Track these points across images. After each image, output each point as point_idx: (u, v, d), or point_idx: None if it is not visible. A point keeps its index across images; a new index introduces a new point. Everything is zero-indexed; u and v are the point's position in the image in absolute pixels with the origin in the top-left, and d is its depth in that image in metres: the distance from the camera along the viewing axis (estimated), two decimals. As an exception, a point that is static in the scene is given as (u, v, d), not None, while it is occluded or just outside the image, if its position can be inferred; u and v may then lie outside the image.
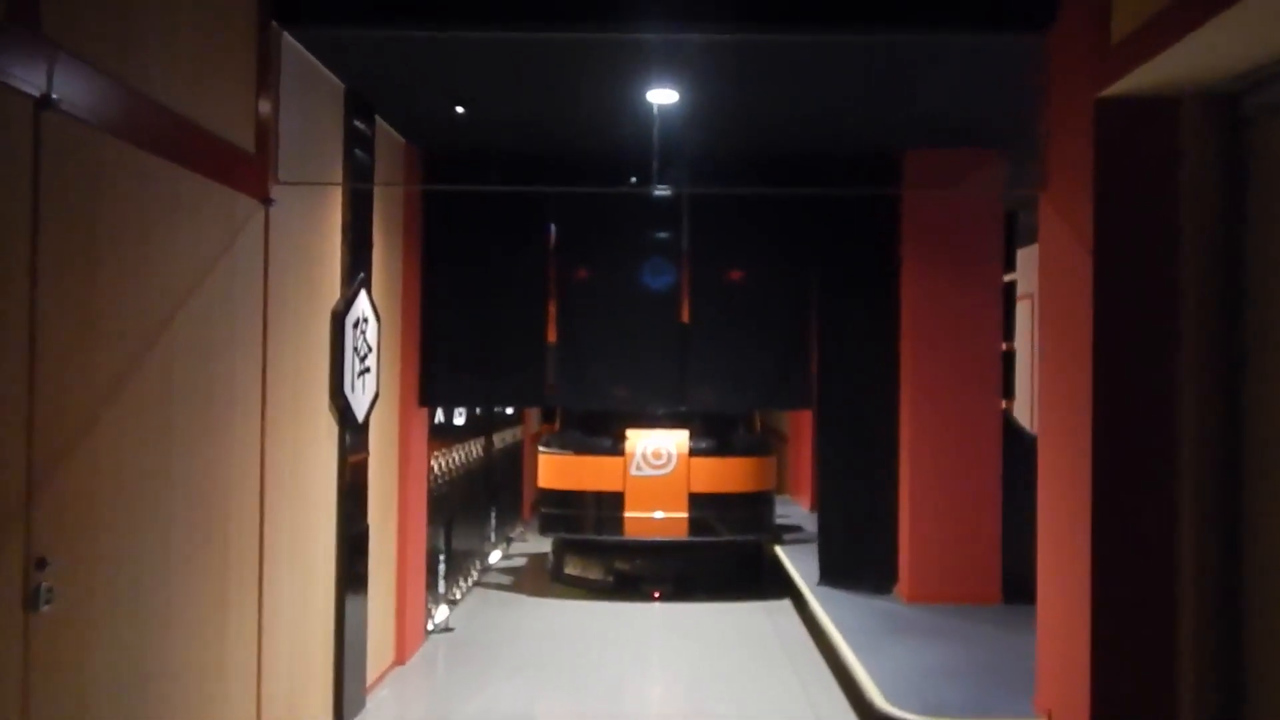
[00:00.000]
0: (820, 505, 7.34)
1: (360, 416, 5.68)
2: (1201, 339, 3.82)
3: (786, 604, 8.69)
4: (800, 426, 12.77)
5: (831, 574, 7.31)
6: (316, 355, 5.15)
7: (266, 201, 4.40)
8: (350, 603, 5.53)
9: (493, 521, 10.25)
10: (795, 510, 12.04)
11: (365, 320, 5.76)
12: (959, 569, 6.77)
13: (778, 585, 9.03)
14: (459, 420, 8.61)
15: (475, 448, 9.36)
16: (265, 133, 4.42)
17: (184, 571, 3.67)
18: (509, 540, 11.09)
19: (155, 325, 3.49)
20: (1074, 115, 4.11)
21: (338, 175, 5.47)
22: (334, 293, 5.41)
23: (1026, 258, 7.18)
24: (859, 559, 7.22)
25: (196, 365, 3.78)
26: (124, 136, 3.26)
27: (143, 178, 3.39)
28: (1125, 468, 3.85)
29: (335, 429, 5.42)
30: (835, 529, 7.27)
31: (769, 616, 8.39)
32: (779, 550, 9.04)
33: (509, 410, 10.98)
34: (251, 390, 4.29)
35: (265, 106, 4.41)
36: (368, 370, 5.81)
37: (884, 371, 7.06)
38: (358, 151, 5.64)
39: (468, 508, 8.98)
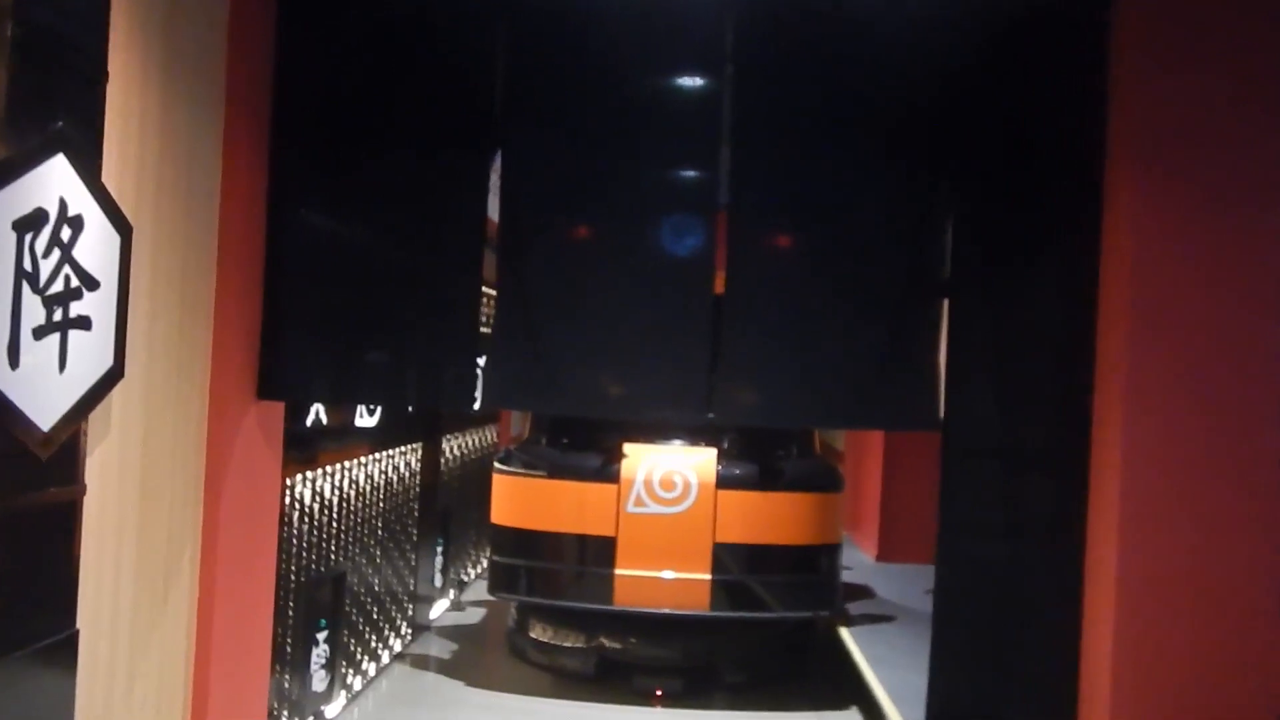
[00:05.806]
0: (939, 587, 4.33)
1: (48, 419, 2.76)
2: None
3: (854, 717, 5.76)
4: (862, 440, 9.68)
5: (955, 704, 4.29)
6: None
7: None
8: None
9: (437, 564, 7.31)
10: (857, 558, 8.90)
11: (71, 223, 2.83)
12: (1206, 709, 3.73)
13: (835, 678, 6.08)
14: (367, 420, 5.66)
15: (404, 461, 6.43)
16: None
17: None
18: (461, 584, 8.14)
19: None
20: None
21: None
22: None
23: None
24: (1008, 680, 4.18)
25: None
26: None
27: None
28: None
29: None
30: (967, 629, 4.25)
31: (832, 740, 5.47)
32: (845, 633, 6.05)
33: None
34: None
35: None
36: (79, 323, 2.89)
37: (1066, 374, 4.05)
38: None
39: (384, 553, 6.05)
